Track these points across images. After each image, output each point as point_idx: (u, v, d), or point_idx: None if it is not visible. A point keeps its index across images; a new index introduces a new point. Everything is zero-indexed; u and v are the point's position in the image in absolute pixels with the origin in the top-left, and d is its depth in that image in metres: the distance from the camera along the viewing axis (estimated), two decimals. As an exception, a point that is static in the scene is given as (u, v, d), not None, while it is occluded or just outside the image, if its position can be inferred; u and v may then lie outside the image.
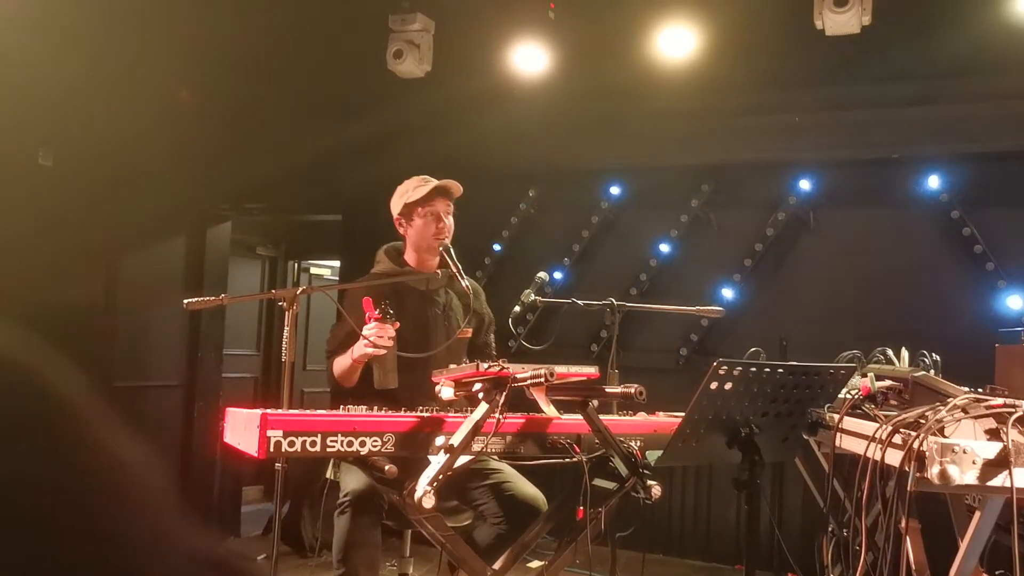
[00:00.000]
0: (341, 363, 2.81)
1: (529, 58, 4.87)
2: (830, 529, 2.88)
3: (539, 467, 2.49)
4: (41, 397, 0.47)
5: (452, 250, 2.89)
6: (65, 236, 4.70)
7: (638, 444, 2.50)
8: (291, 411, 2.25)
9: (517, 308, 2.90)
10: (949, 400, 1.92)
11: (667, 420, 2.60)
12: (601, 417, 2.41)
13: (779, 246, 5.06)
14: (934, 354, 2.62)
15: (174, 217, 5.60)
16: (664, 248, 5.31)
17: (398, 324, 2.68)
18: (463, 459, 2.20)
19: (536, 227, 5.70)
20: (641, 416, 2.65)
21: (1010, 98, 4.46)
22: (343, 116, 5.41)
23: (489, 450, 2.32)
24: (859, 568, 2.06)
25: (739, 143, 5.09)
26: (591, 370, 2.29)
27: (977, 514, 1.91)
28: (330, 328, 3.07)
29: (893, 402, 2.33)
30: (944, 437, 1.75)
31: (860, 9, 4.04)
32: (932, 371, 2.52)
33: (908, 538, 2.05)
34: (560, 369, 2.18)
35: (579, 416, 2.40)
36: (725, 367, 2.11)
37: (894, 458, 1.80)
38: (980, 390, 2.17)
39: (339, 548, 2.54)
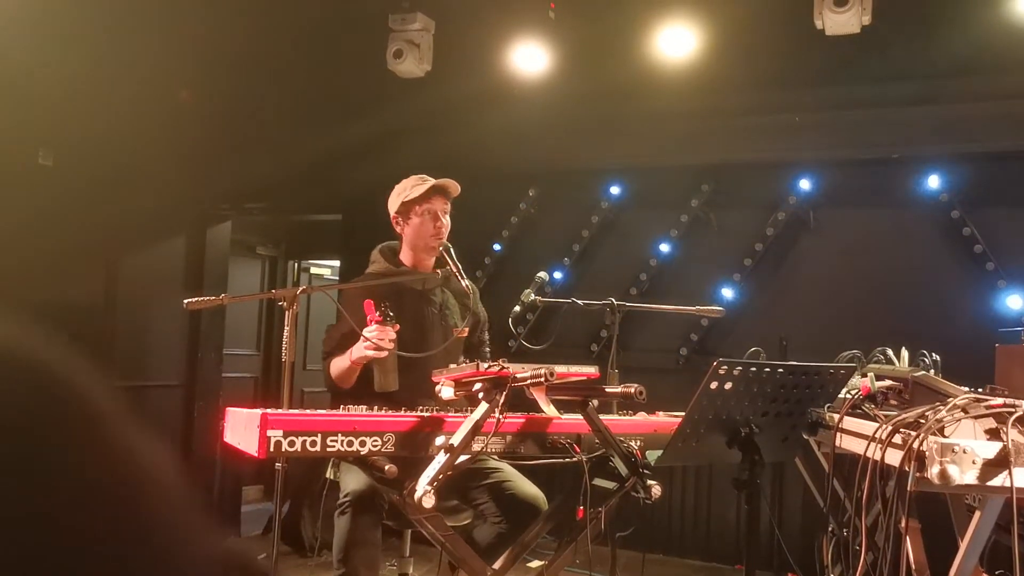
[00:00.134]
0: (339, 364, 2.81)
1: (529, 58, 4.87)
2: (830, 529, 2.88)
3: (539, 467, 2.49)
4: (41, 396, 0.47)
5: (452, 249, 2.89)
6: (65, 236, 4.70)
7: (638, 444, 2.50)
8: (291, 411, 2.25)
9: (517, 308, 2.90)
10: (949, 400, 1.92)
11: (667, 420, 2.60)
12: (601, 417, 2.41)
13: (779, 246, 5.06)
14: (934, 354, 2.62)
15: (174, 217, 5.60)
16: (664, 248, 5.31)
17: (398, 326, 2.68)
18: (462, 458, 2.20)
19: (536, 227, 5.70)
20: (641, 416, 2.65)
21: (1010, 98, 4.46)
22: (343, 116, 5.41)
23: (489, 450, 2.32)
24: (859, 568, 2.06)
25: (739, 143, 5.09)
26: (591, 370, 2.29)
27: (977, 514, 1.91)
28: (325, 329, 3.05)
29: (893, 402, 2.33)
30: (944, 437, 1.75)
31: (860, 9, 4.04)
32: (932, 371, 2.52)
33: (908, 538, 2.05)
34: (560, 369, 2.18)
35: (579, 416, 2.40)
36: (725, 367, 2.11)
37: (894, 458, 1.80)
38: (980, 390, 2.17)
39: (339, 548, 2.54)
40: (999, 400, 1.85)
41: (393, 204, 3.00)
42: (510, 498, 2.75)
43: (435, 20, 4.95)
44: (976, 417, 1.81)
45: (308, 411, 2.27)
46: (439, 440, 2.21)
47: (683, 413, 2.22)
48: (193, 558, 0.51)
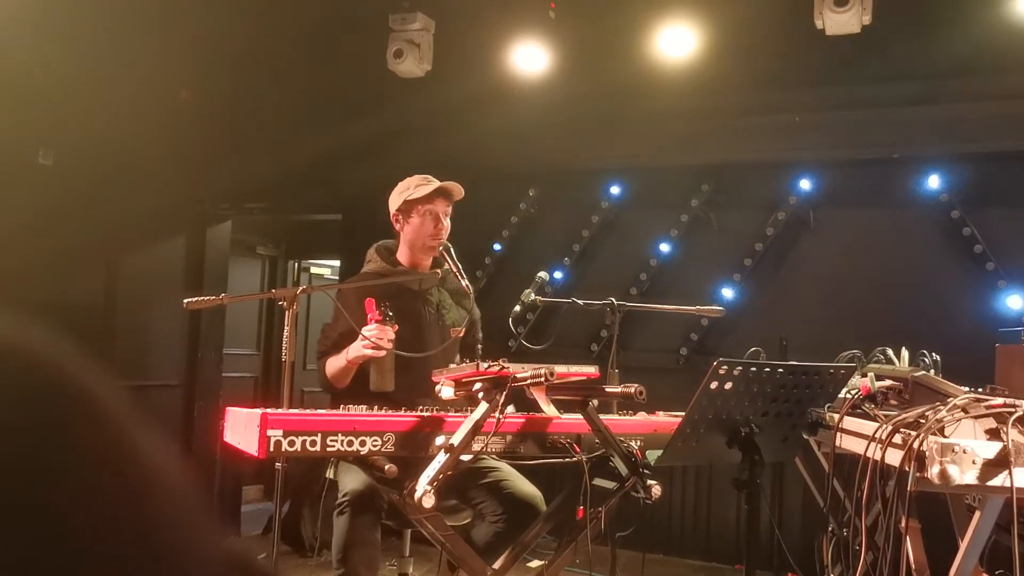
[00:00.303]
0: (335, 363, 2.80)
1: (529, 58, 4.87)
2: (830, 529, 2.88)
3: (539, 467, 2.49)
4: (40, 396, 0.47)
5: (452, 249, 2.89)
6: (65, 236, 4.70)
7: (638, 444, 2.50)
8: (291, 411, 2.25)
9: (517, 308, 2.89)
10: (949, 400, 1.92)
11: (667, 420, 2.60)
12: (601, 417, 2.41)
13: (779, 246, 5.06)
14: (934, 354, 2.62)
15: (174, 217, 5.60)
16: (664, 248, 5.31)
17: (397, 327, 2.68)
18: (464, 458, 2.20)
19: (536, 227, 5.70)
20: (641, 416, 2.65)
21: (1010, 98, 4.46)
22: (343, 116, 5.41)
23: (489, 450, 2.32)
24: (859, 568, 2.06)
25: (739, 143, 5.09)
26: (591, 370, 2.29)
27: (977, 514, 1.91)
28: (321, 328, 3.05)
29: (893, 402, 2.33)
30: (944, 437, 1.75)
31: (860, 9, 4.04)
32: (932, 371, 2.52)
33: (908, 538, 2.05)
34: (560, 369, 2.18)
35: (579, 416, 2.40)
36: (725, 367, 2.11)
37: (894, 458, 1.80)
38: (980, 390, 2.16)
39: (338, 548, 2.54)
40: (999, 400, 1.85)
41: (395, 201, 2.99)
42: (508, 497, 2.75)
43: (435, 20, 4.95)
44: (976, 417, 1.81)
45: (308, 411, 2.27)
46: (439, 440, 2.21)
47: (683, 413, 2.21)
48: (193, 558, 0.51)
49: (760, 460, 2.27)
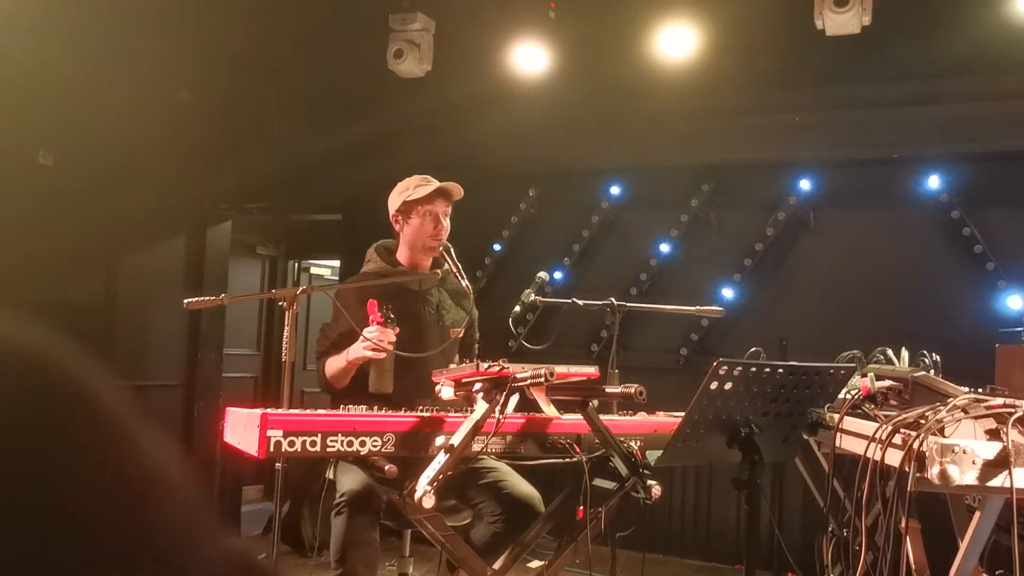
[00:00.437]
0: (334, 364, 2.80)
1: (529, 58, 4.87)
2: (830, 529, 2.88)
3: (539, 467, 2.49)
4: (40, 396, 0.47)
5: (452, 250, 2.89)
6: (65, 236, 4.70)
7: (638, 444, 2.50)
8: (291, 411, 2.25)
9: (517, 308, 2.89)
10: (949, 400, 1.92)
11: (667, 420, 2.60)
12: (601, 417, 2.41)
13: (779, 246, 5.06)
14: (934, 354, 2.62)
15: (174, 217, 5.60)
16: (664, 248, 5.31)
17: (398, 329, 2.68)
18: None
19: (536, 227, 5.70)
20: (641, 416, 2.65)
21: (1010, 98, 4.46)
22: (343, 116, 5.41)
23: (489, 450, 2.32)
24: (859, 568, 2.06)
25: (739, 143, 5.09)
26: (591, 370, 2.29)
27: (977, 514, 1.91)
28: (319, 328, 3.05)
29: (893, 402, 2.32)
30: (944, 437, 1.75)
31: (860, 9, 4.04)
32: (932, 371, 2.52)
33: (908, 538, 2.05)
34: (560, 369, 2.18)
35: (579, 416, 2.40)
36: (725, 367, 2.11)
37: (894, 458, 1.80)
38: (980, 390, 2.17)
39: (336, 549, 2.54)
40: (999, 400, 1.85)
41: (394, 202, 2.98)
42: (506, 497, 2.75)
43: (435, 20, 4.95)
44: (976, 417, 1.81)
45: (308, 411, 2.27)
46: (439, 440, 2.21)
47: (683, 413, 2.21)
48: (193, 558, 0.51)
49: (760, 460, 2.27)
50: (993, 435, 1.76)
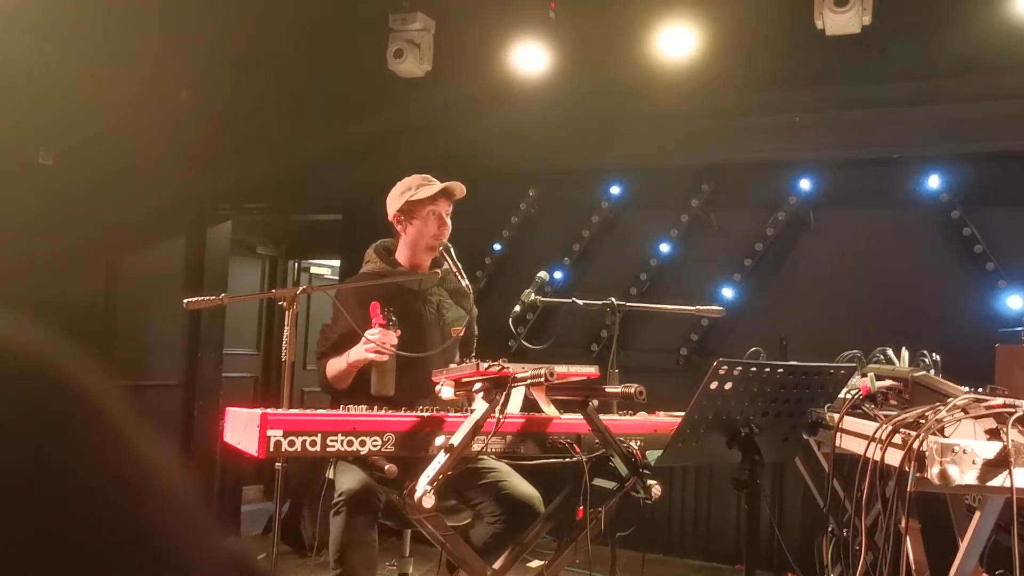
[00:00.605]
0: (335, 365, 2.80)
1: (529, 58, 4.87)
2: (830, 529, 2.88)
3: (539, 467, 2.49)
4: (40, 396, 0.47)
5: (452, 249, 2.89)
6: (65, 235, 4.70)
7: (638, 444, 2.50)
8: (291, 411, 2.25)
9: (517, 308, 2.89)
10: (949, 400, 1.92)
11: (667, 420, 2.60)
12: (601, 417, 2.41)
13: (779, 246, 5.06)
14: (934, 354, 2.62)
15: (174, 217, 5.60)
16: (664, 248, 5.31)
17: (400, 332, 2.68)
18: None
19: (536, 227, 5.70)
20: (641, 416, 2.65)
21: (1010, 98, 4.46)
22: (343, 116, 5.41)
23: (489, 450, 2.32)
24: (859, 568, 2.06)
25: (739, 143, 5.09)
26: (591, 370, 2.29)
27: (977, 514, 1.91)
28: (320, 329, 3.04)
29: (893, 402, 2.32)
30: (944, 437, 1.75)
31: (860, 9, 4.04)
32: (932, 371, 2.52)
33: (908, 538, 2.05)
34: (560, 369, 2.18)
35: (579, 416, 2.40)
36: (725, 367, 2.11)
37: (894, 458, 1.80)
38: (980, 390, 2.16)
39: (335, 548, 2.54)
40: (999, 400, 1.85)
41: (395, 203, 2.97)
42: (506, 498, 2.75)
43: (435, 20, 4.95)
44: (976, 417, 1.81)
45: (308, 411, 2.27)
46: (439, 440, 2.21)
47: (683, 413, 2.21)
48: (193, 558, 0.51)
49: (760, 460, 2.27)
50: (993, 435, 1.76)
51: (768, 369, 2.23)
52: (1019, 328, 2.83)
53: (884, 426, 1.92)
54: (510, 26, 4.87)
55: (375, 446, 2.18)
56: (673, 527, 5.07)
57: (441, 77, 4.96)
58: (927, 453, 1.68)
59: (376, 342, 2.62)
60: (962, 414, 1.83)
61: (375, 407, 2.36)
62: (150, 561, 0.47)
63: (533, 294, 2.89)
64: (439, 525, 2.27)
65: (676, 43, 4.60)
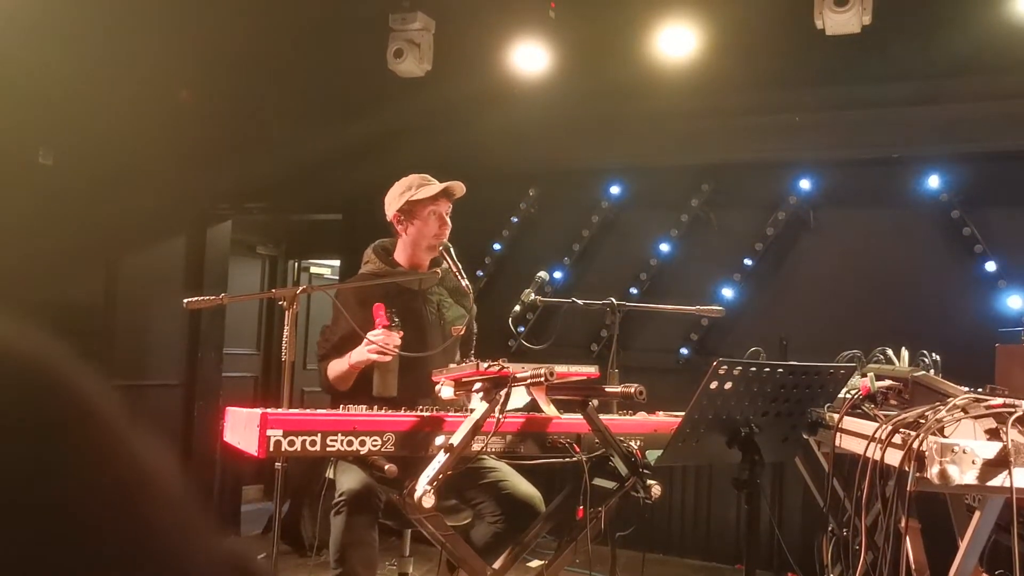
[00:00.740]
0: (337, 367, 2.79)
1: (529, 58, 4.87)
2: (830, 529, 2.88)
3: (539, 467, 2.49)
4: (40, 396, 0.47)
5: (452, 249, 2.89)
6: (65, 235, 4.70)
7: (638, 444, 2.50)
8: (291, 410, 2.25)
9: (517, 308, 2.89)
10: (949, 400, 1.92)
11: (667, 420, 2.60)
12: (601, 417, 2.41)
13: (779, 246, 5.06)
14: (934, 354, 2.62)
15: (174, 217, 5.60)
16: (664, 248, 5.31)
17: (402, 333, 2.68)
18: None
19: (536, 227, 5.70)
20: (641, 416, 2.65)
21: (1010, 98, 4.46)
22: (343, 116, 5.41)
23: (489, 449, 2.32)
24: (859, 568, 2.06)
25: (739, 143, 5.09)
26: (591, 369, 2.29)
27: (977, 514, 1.91)
28: (320, 330, 3.04)
29: (893, 402, 2.33)
30: (944, 437, 1.75)
31: (860, 9, 4.04)
32: (932, 371, 2.52)
33: (908, 538, 2.05)
34: (560, 368, 2.18)
35: (579, 416, 2.40)
36: (725, 367, 2.11)
37: (894, 458, 1.80)
38: (980, 390, 2.16)
39: (336, 548, 2.54)
40: (999, 400, 1.85)
41: (395, 202, 2.97)
42: (507, 497, 2.75)
43: (435, 20, 4.95)
44: (976, 417, 1.81)
45: (308, 411, 2.27)
46: (439, 440, 2.21)
47: (683, 413, 2.21)
48: (193, 558, 0.51)
49: (760, 460, 2.27)
50: (993, 435, 1.76)
51: (768, 369, 2.23)
52: (1019, 328, 2.83)
53: (884, 426, 1.92)
54: (510, 26, 4.87)
55: (375, 446, 2.18)
56: (673, 527, 5.07)
57: (441, 77, 4.96)
58: (927, 453, 1.68)
59: (379, 343, 2.62)
60: (962, 414, 1.83)
61: (375, 407, 2.36)
62: (150, 561, 0.47)
63: (533, 294, 2.89)
64: (439, 525, 2.27)
65: (676, 43, 4.60)
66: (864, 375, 2.38)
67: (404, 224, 2.98)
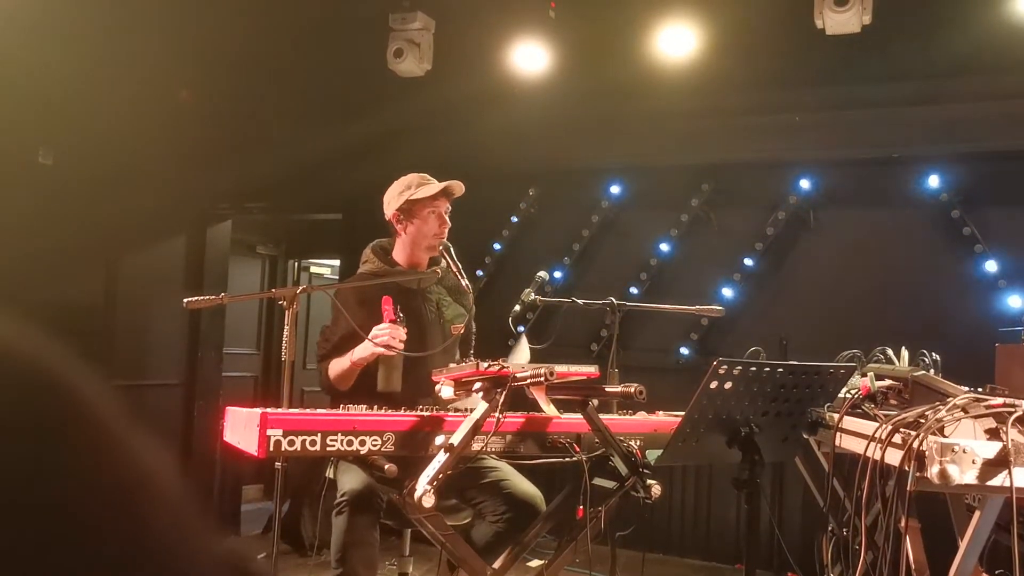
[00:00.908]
0: (339, 365, 2.79)
1: (529, 57, 4.87)
2: (830, 529, 2.88)
3: (539, 466, 2.49)
4: (40, 396, 0.47)
5: (452, 248, 2.89)
6: (65, 235, 4.70)
7: (638, 443, 2.50)
8: (291, 410, 2.25)
9: (517, 307, 2.89)
10: (949, 400, 1.92)
11: (667, 419, 2.60)
12: (601, 416, 2.41)
13: (779, 246, 5.06)
14: (934, 354, 2.62)
15: (174, 216, 5.60)
16: (664, 247, 5.31)
17: (407, 328, 2.68)
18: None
19: (536, 226, 5.70)
20: (641, 415, 2.65)
21: (1010, 98, 4.46)
22: (343, 116, 5.41)
23: (489, 449, 2.32)
24: (859, 568, 2.07)
25: (739, 142, 5.09)
26: (591, 369, 2.29)
27: (977, 514, 1.91)
28: (320, 331, 3.04)
29: (893, 402, 2.33)
30: (944, 437, 1.75)
31: (860, 8, 4.04)
32: (932, 371, 2.52)
33: (908, 538, 2.05)
34: (560, 368, 2.18)
35: (579, 415, 2.40)
36: (725, 366, 2.11)
37: (894, 458, 1.80)
38: (980, 390, 2.17)
39: (337, 548, 2.54)
40: (999, 400, 1.85)
41: (395, 202, 2.96)
42: (508, 496, 2.75)
43: (435, 19, 4.95)
44: (976, 417, 1.81)
45: (308, 410, 2.27)
46: (439, 439, 2.21)
47: (683, 413, 2.22)
48: (192, 558, 0.51)
49: (760, 460, 2.27)
50: (993, 434, 1.76)
51: (768, 369, 2.23)
52: (1019, 328, 2.83)
53: (884, 426, 1.92)
54: (510, 26, 4.87)
55: (375, 446, 2.18)
56: (673, 527, 5.07)
57: (441, 77, 4.96)
58: (927, 453, 1.68)
59: (386, 336, 2.62)
60: (962, 414, 1.83)
61: (375, 406, 2.36)
62: (150, 561, 0.47)
63: (533, 293, 2.89)
64: (439, 525, 2.27)
65: (676, 43, 4.60)
66: (864, 375, 2.38)
67: (403, 223, 2.98)
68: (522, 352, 2.67)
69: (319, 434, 2.12)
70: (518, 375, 2.16)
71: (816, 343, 3.52)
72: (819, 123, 4.93)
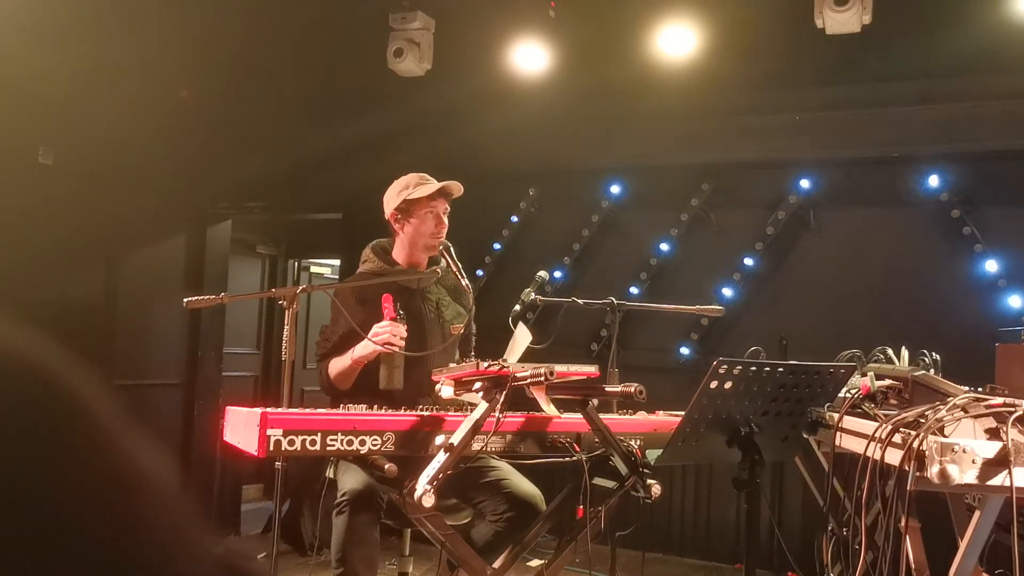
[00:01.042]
0: (338, 364, 2.79)
1: (529, 57, 4.87)
2: (830, 528, 2.88)
3: (539, 466, 2.49)
4: (40, 396, 0.47)
5: (451, 248, 2.89)
6: (65, 235, 4.70)
7: (638, 443, 2.50)
8: (291, 410, 2.25)
9: (517, 307, 2.90)
10: (949, 399, 1.92)
11: (667, 419, 2.60)
12: (601, 416, 2.41)
13: (779, 245, 5.06)
14: (934, 353, 2.62)
15: (174, 216, 5.60)
16: (664, 247, 5.31)
17: (407, 327, 2.68)
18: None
19: (536, 226, 5.70)
20: (641, 415, 2.65)
21: (1010, 98, 4.46)
22: (343, 116, 5.41)
23: (489, 449, 2.32)
24: (859, 567, 2.07)
25: (739, 142, 5.09)
26: (591, 369, 2.29)
27: (977, 513, 1.92)
28: (320, 330, 3.04)
29: (893, 401, 2.32)
30: (944, 436, 1.75)
31: (860, 8, 4.04)
32: (932, 370, 2.52)
33: (908, 537, 2.05)
34: (560, 368, 2.18)
35: (579, 415, 2.40)
36: (725, 366, 2.11)
37: (894, 457, 1.80)
38: (980, 389, 2.16)
39: (337, 548, 2.54)
40: (999, 400, 1.85)
41: (393, 201, 2.97)
42: (508, 496, 2.75)
43: (435, 19, 4.95)
44: (976, 416, 1.81)
45: (308, 410, 2.27)
46: (439, 439, 2.21)
47: (683, 412, 2.22)
48: (192, 557, 0.51)
49: (760, 460, 2.27)
50: (993, 434, 1.77)
51: (768, 368, 2.23)
52: (1019, 328, 2.83)
53: (884, 425, 1.92)
54: (510, 25, 4.87)
55: (375, 445, 2.18)
56: (673, 526, 5.07)
57: (441, 76, 4.96)
58: (927, 452, 1.68)
59: (387, 334, 2.62)
60: (962, 413, 1.83)
61: (375, 406, 2.36)
62: (149, 561, 0.47)
63: (533, 293, 2.89)
64: (439, 524, 2.27)
65: (676, 43, 4.60)
66: (864, 374, 2.38)
67: (401, 223, 2.98)
68: (521, 341, 2.65)
69: (319, 434, 2.12)
70: (518, 375, 2.17)
71: (816, 343, 3.52)
72: (819, 123, 4.93)
